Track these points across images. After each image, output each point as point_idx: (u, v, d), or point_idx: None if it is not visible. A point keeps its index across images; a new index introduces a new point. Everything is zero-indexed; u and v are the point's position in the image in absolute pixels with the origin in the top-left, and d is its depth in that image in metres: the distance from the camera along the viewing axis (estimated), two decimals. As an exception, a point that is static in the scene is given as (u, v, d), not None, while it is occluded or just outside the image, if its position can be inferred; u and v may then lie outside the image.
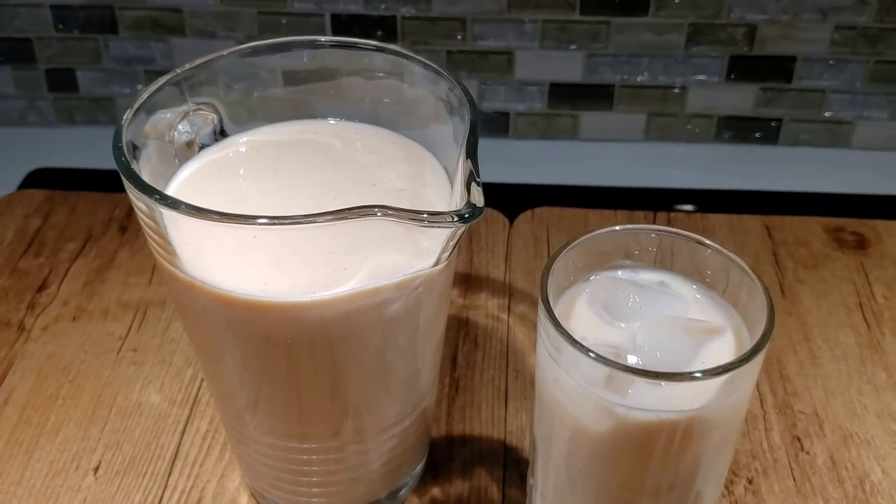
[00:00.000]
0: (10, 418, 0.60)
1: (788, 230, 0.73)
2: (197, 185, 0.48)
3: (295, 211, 0.46)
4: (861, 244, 0.72)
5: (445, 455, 0.58)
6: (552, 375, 0.43)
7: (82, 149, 0.85)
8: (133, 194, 0.42)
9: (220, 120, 0.51)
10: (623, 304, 0.45)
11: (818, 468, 0.57)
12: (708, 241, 0.45)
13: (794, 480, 0.56)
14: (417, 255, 0.43)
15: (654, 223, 0.74)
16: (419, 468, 0.56)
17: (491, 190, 0.68)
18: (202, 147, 0.51)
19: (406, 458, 0.54)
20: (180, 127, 0.49)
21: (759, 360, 0.41)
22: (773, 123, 0.86)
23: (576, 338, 0.43)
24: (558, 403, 0.43)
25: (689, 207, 0.78)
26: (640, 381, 0.40)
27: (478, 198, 0.41)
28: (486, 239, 0.73)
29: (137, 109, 0.46)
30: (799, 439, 0.58)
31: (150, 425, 0.60)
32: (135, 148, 0.46)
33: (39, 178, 0.81)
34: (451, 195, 0.48)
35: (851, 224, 0.74)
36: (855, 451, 0.58)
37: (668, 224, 0.74)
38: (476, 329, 0.65)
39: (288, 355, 0.45)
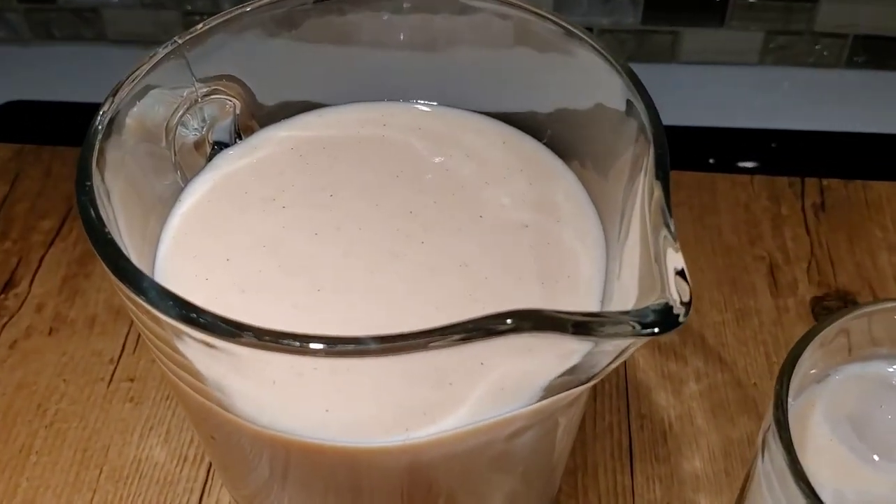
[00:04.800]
0: (-32, 483, 0.45)
1: (977, 203, 0.57)
2: (211, 220, 0.32)
3: (363, 270, 0.30)
4: None
5: (555, 546, 0.43)
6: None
7: (63, 72, 0.71)
8: (116, 285, 0.25)
9: (243, 106, 0.34)
10: (884, 426, 0.29)
11: None
12: None
13: None
14: (562, 358, 0.27)
15: (801, 193, 0.57)
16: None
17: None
18: (217, 148, 0.34)
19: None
20: (185, 121, 0.33)
21: None
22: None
23: (823, 492, 0.28)
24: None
25: (841, 169, 0.61)
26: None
27: (681, 289, 0.24)
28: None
29: (115, 109, 0.29)
30: None
31: (153, 496, 0.44)
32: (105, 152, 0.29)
33: (12, 113, 0.65)
34: (600, 236, 0.31)
35: None
36: None
37: (822, 194, 0.57)
38: (583, 352, 0.49)
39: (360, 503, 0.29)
